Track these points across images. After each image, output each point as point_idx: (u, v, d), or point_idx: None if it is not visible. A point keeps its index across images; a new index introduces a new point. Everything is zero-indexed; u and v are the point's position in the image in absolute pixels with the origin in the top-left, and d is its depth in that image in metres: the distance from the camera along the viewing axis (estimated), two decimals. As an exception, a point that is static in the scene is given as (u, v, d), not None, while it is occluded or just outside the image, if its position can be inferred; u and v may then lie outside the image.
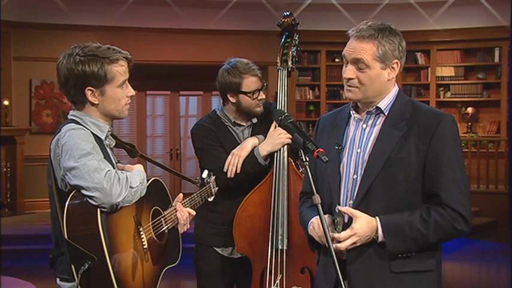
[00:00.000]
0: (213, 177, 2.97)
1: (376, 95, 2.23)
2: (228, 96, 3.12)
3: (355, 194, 2.21)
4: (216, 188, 2.98)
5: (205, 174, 2.95)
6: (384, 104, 2.25)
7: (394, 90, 2.27)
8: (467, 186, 2.21)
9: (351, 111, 2.31)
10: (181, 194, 2.67)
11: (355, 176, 2.22)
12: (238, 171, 3.00)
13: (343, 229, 2.16)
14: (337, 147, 2.27)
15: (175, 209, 2.58)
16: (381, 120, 2.25)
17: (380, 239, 2.14)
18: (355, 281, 2.18)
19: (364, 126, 2.27)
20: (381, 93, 2.24)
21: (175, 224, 2.57)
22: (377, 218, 2.15)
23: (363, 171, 2.20)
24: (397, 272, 2.17)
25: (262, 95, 3.11)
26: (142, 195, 2.29)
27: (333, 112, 2.46)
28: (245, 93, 3.08)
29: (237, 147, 3.06)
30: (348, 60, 2.24)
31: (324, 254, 2.31)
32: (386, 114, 2.24)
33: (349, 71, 2.23)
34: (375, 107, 2.25)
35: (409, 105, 2.25)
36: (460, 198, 2.16)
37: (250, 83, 3.08)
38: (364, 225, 2.13)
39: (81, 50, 2.30)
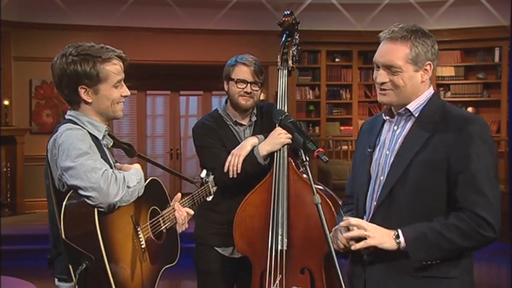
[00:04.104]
0: (211, 177, 2.96)
1: (409, 98, 2.20)
2: (224, 84, 3.17)
3: (379, 194, 2.20)
4: (215, 188, 2.97)
5: (203, 173, 2.95)
6: (414, 106, 2.21)
7: (428, 92, 2.23)
8: (494, 191, 2.10)
9: (382, 114, 2.31)
10: (179, 194, 2.67)
11: (382, 177, 2.21)
12: (238, 171, 3.00)
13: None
14: (368, 149, 2.27)
15: (173, 208, 2.57)
16: (411, 122, 2.22)
17: (402, 244, 2.09)
18: (372, 282, 2.17)
19: (395, 128, 2.25)
20: (414, 95, 2.20)
21: (174, 224, 2.57)
22: (398, 230, 2.12)
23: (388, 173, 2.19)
24: (416, 276, 2.13)
25: (250, 89, 3.11)
26: (140, 194, 2.28)
27: (374, 116, 2.48)
28: (232, 79, 3.11)
29: (237, 147, 3.06)
30: (379, 64, 2.20)
31: (351, 262, 2.31)
32: (416, 116, 2.21)
33: (381, 75, 2.19)
34: (404, 108, 2.22)
35: (440, 108, 2.20)
36: (482, 203, 2.07)
37: (239, 71, 3.11)
38: (377, 227, 2.12)
39: (74, 49, 2.30)
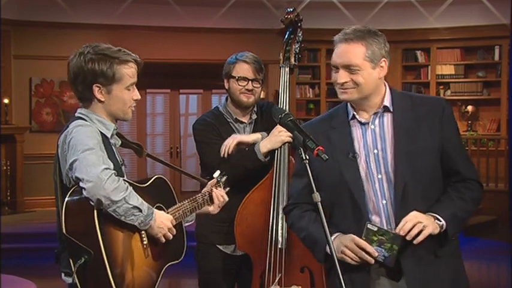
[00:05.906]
0: (224, 178, 2.87)
1: (371, 93, 2.28)
2: (224, 82, 3.18)
3: (387, 193, 2.24)
4: (227, 189, 2.87)
5: (216, 174, 2.86)
6: (388, 101, 2.30)
7: (387, 86, 2.35)
8: None
9: (356, 117, 2.31)
10: (214, 180, 2.76)
11: (380, 175, 2.25)
12: (229, 152, 2.99)
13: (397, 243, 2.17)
14: (352, 156, 2.27)
15: (180, 206, 2.57)
16: (387, 117, 2.30)
17: (444, 226, 2.19)
18: (409, 271, 2.21)
19: (373, 127, 2.30)
20: (375, 91, 2.28)
21: (179, 222, 2.56)
22: (428, 212, 2.20)
23: (389, 170, 2.23)
24: (440, 256, 2.25)
25: (251, 86, 3.11)
26: (143, 228, 2.29)
27: (320, 119, 2.46)
28: (233, 77, 3.12)
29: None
30: (338, 65, 2.27)
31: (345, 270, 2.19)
32: (391, 110, 2.29)
33: (341, 76, 2.26)
34: (382, 106, 2.29)
35: (406, 97, 2.36)
36: (475, 170, 2.35)
37: (240, 68, 3.12)
38: (422, 216, 2.17)
39: (92, 49, 2.37)
